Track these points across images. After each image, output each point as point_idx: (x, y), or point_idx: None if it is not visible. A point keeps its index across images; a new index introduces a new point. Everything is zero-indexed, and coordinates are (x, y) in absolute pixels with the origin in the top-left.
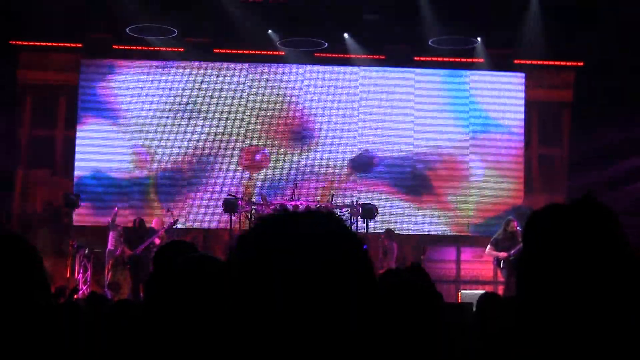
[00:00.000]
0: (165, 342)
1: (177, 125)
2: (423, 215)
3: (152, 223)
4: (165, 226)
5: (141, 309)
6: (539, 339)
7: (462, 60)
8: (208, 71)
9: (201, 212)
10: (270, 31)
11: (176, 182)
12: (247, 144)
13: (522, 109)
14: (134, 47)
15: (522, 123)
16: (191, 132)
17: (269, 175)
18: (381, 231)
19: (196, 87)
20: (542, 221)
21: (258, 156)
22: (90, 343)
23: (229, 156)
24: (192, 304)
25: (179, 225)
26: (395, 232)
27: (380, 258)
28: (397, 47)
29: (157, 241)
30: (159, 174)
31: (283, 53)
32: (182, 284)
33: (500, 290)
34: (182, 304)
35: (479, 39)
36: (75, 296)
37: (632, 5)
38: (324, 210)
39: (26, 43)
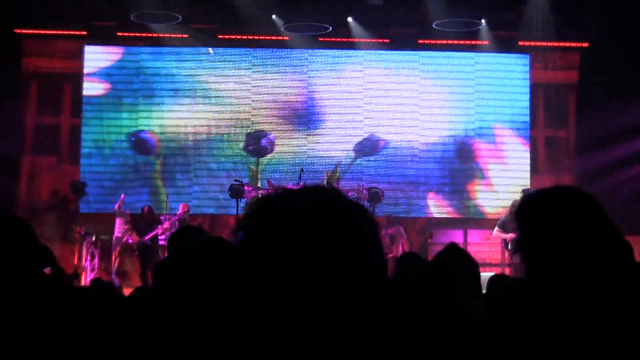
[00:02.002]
0: (173, 328)
1: (183, 111)
2: (430, 198)
3: (179, 208)
4: (173, 218)
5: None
6: (546, 315)
7: (467, 42)
8: (212, 56)
9: (207, 198)
10: (274, 16)
11: (182, 167)
12: (252, 129)
13: (528, 90)
14: (138, 34)
15: (528, 105)
16: (196, 118)
17: (275, 160)
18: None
19: (201, 73)
20: (530, 208)
21: (264, 141)
22: (95, 331)
23: (235, 141)
24: (197, 291)
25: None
26: (401, 215)
27: (387, 244)
28: (401, 30)
29: (160, 230)
30: (164, 160)
31: (287, 38)
32: (186, 270)
33: (508, 272)
34: (188, 291)
35: (483, 21)
36: (76, 282)
37: None
38: (331, 187)
39: (30, 31)
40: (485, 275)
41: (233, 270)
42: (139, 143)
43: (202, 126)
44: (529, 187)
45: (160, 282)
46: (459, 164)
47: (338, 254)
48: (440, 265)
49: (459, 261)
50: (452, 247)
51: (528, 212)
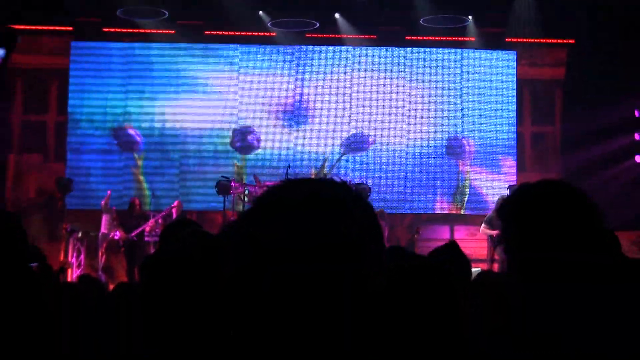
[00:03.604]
0: (163, 324)
1: (169, 106)
2: (417, 194)
3: (174, 203)
4: (158, 216)
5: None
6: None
7: (454, 39)
8: (199, 53)
9: (194, 194)
10: (261, 12)
11: (168, 163)
12: (239, 125)
13: (514, 87)
14: (125, 30)
15: (514, 101)
16: (183, 114)
17: (261, 156)
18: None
19: (188, 69)
20: (515, 203)
21: (250, 137)
22: (84, 327)
23: (221, 137)
24: (188, 287)
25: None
26: (389, 212)
27: None
28: (388, 27)
29: (147, 227)
30: (150, 155)
31: (274, 34)
32: (176, 266)
33: (495, 268)
34: (179, 287)
35: (470, 17)
36: (62, 277)
37: None
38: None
39: (16, 27)
40: (473, 271)
41: (225, 268)
42: (123, 139)
43: (188, 122)
44: (515, 183)
45: (151, 278)
46: (445, 160)
47: (329, 245)
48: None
49: (455, 260)
50: (452, 245)
51: (514, 206)
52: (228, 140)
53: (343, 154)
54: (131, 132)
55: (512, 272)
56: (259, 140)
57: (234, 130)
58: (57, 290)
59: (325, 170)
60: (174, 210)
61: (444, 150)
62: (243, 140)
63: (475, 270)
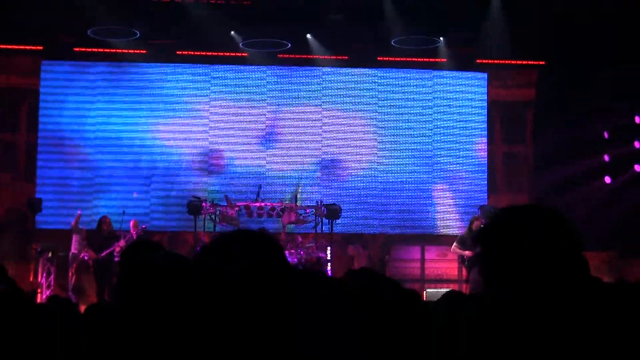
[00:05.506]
0: (143, 341)
1: (140, 127)
2: (388, 215)
3: (130, 224)
4: (128, 236)
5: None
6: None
7: (425, 60)
8: (171, 73)
9: (165, 215)
10: (233, 32)
11: (138, 183)
12: (209, 146)
13: (485, 108)
14: (96, 50)
15: (485, 122)
16: (154, 137)
17: (233, 176)
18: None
19: (159, 90)
20: (497, 226)
21: (219, 159)
22: (53, 348)
23: (192, 158)
24: (165, 301)
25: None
26: (362, 233)
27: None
28: (360, 48)
29: (117, 248)
30: (120, 175)
31: (246, 54)
32: (154, 281)
33: (465, 288)
34: (157, 301)
35: (441, 38)
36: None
37: (590, 2)
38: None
39: None
40: (442, 291)
41: (195, 278)
42: (96, 159)
43: (159, 145)
44: (486, 203)
45: (129, 297)
46: (416, 181)
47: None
48: None
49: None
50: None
51: (491, 231)
52: (199, 160)
53: (315, 176)
54: (104, 153)
55: (489, 293)
56: (229, 161)
57: (205, 151)
58: (28, 312)
59: (298, 193)
60: (132, 231)
61: (415, 170)
62: (213, 161)
63: (441, 291)
